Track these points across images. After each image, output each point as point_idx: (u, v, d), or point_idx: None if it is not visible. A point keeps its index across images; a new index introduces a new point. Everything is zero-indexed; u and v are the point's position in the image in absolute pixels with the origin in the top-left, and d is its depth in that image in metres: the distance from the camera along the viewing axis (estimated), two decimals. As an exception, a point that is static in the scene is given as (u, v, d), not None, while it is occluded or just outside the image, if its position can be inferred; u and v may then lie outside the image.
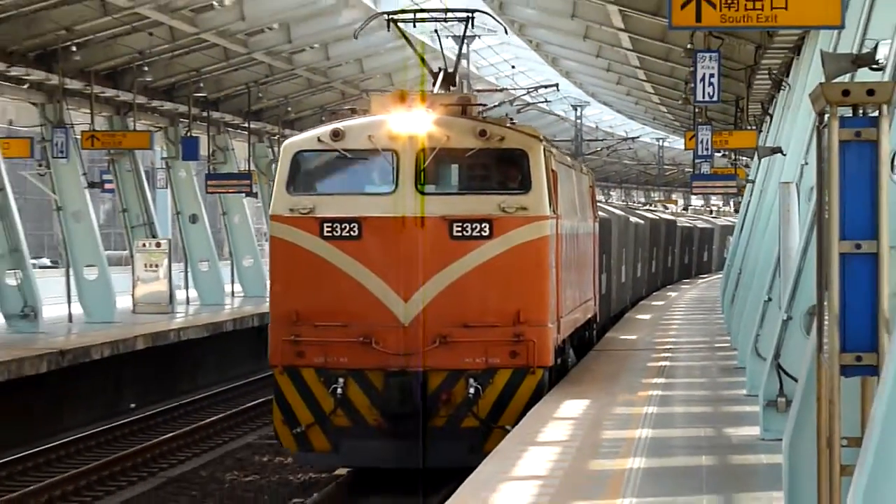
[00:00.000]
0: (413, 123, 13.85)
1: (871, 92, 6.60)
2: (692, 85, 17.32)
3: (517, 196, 13.87)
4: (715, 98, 17.24)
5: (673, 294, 44.98)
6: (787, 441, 9.10)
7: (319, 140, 14.19)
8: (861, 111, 6.66)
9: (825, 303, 7.01)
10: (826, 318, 6.93)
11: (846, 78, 7.49)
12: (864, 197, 6.41)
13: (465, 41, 17.76)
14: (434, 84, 17.10)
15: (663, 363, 21.36)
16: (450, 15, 17.72)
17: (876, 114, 6.51)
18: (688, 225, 57.97)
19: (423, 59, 20.67)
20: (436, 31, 20.50)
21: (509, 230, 13.73)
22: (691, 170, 34.27)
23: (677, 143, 48.86)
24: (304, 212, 13.83)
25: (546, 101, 37.32)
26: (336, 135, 13.94)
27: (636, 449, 12.73)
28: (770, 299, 14.96)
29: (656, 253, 40.21)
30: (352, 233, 13.70)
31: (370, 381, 13.81)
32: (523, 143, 14.43)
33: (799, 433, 8.56)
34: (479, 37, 37.27)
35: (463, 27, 17.27)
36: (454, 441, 13.64)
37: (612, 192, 69.00)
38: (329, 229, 13.79)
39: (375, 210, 13.99)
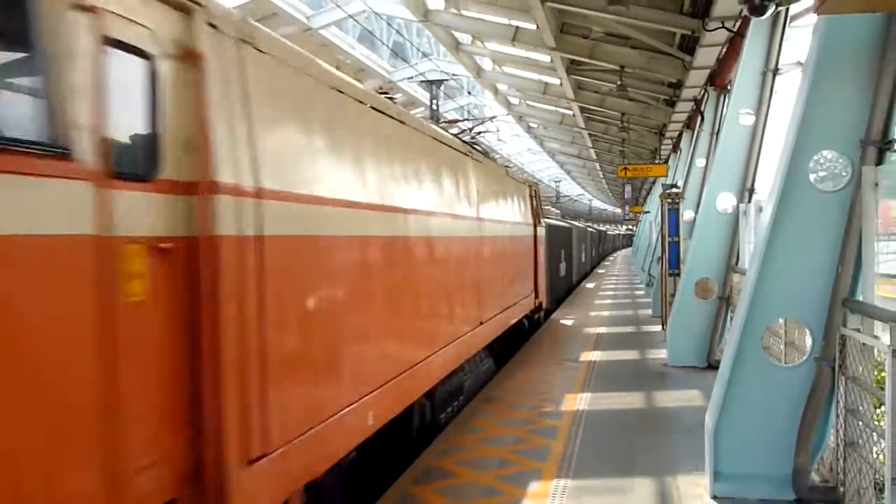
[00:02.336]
0: None
1: (676, 195, 15.18)
2: (622, 191, 37.99)
3: None
4: (629, 198, 37.87)
5: (611, 258, 71.07)
6: (653, 294, 19.66)
7: None
8: (673, 200, 15.23)
9: (665, 256, 15.72)
10: (663, 260, 15.71)
11: (669, 189, 15.15)
12: (673, 224, 15.26)
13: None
14: None
15: (610, 274, 39.50)
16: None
17: (679, 201, 15.08)
18: (613, 233, 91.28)
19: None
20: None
21: None
22: (622, 216, 58.93)
23: (618, 209, 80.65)
24: None
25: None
26: None
27: (602, 311, 21.51)
28: (647, 254, 25.96)
29: (599, 245, 59.56)
30: None
31: None
32: None
33: (655, 293, 18.90)
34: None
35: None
36: None
37: (598, 224, 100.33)
38: None
39: None
